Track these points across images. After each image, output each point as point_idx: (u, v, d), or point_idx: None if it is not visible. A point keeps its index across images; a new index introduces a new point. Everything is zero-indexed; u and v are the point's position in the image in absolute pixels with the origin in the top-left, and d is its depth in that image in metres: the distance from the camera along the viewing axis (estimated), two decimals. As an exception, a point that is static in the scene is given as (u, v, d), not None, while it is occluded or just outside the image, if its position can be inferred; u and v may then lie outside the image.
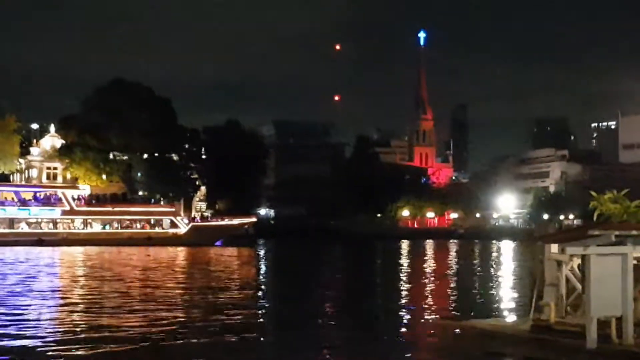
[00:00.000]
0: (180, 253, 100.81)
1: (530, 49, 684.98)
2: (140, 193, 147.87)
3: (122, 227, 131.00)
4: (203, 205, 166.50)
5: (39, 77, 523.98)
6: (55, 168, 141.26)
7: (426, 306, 41.81)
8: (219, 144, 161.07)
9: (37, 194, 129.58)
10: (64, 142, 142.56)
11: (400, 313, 38.85)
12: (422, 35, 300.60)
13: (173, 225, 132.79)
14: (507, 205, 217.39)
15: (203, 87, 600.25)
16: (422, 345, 28.44)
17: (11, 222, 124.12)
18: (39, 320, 32.79)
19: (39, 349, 25.85)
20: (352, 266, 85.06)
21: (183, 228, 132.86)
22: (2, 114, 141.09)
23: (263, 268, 77.37)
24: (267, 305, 42.30)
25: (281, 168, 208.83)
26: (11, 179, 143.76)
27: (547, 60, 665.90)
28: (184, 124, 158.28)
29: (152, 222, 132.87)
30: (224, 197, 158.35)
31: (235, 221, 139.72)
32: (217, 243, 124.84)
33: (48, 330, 29.81)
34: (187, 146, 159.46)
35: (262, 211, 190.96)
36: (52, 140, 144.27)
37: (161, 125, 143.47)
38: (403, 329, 33.29)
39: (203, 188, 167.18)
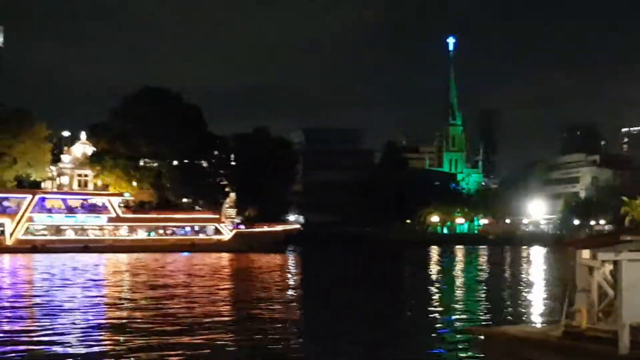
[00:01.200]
0: (224, 260, 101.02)
1: (561, 53, 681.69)
2: (184, 200, 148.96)
3: (166, 234, 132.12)
4: (233, 211, 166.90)
5: (69, 84, 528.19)
6: (86, 175, 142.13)
7: (456, 312, 41.69)
8: (248, 150, 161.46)
9: (84, 202, 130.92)
10: (94, 149, 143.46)
11: (430, 319, 38.73)
12: (451, 40, 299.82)
13: (217, 231, 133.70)
14: (537, 211, 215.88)
15: (231, 94, 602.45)
16: (452, 352, 28.33)
17: (58, 229, 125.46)
18: (76, 337, 32.83)
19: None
20: (381, 273, 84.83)
21: (227, 235, 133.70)
22: (33, 122, 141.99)
23: (303, 276, 76.60)
24: (306, 317, 41.68)
25: (310, 175, 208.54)
26: (42, 187, 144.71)
27: (578, 65, 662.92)
28: (213, 130, 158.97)
29: (196, 228, 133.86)
30: (253, 203, 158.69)
31: (279, 228, 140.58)
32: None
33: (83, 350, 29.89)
34: (216, 153, 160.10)
35: (291, 217, 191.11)
36: (82, 147, 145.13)
37: (191, 132, 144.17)
38: (433, 335, 33.19)
39: (232, 194, 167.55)
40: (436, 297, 52.73)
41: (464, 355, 27.39)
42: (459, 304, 46.54)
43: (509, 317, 38.31)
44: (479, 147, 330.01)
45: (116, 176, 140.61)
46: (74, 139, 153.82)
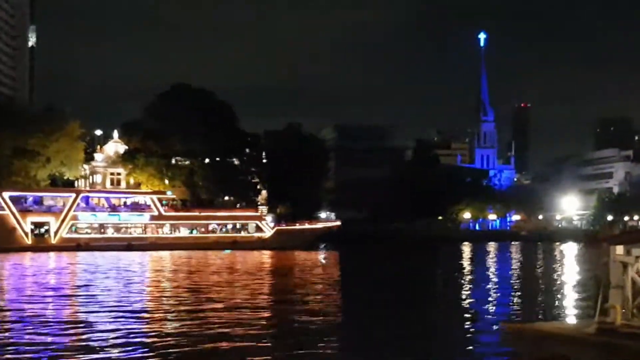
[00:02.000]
0: (266, 257, 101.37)
1: (594, 48, 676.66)
2: (226, 198, 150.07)
3: (208, 232, 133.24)
4: (264, 209, 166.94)
5: (100, 84, 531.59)
6: (118, 174, 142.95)
7: (490, 309, 41.59)
8: (279, 147, 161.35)
9: (127, 200, 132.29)
10: (127, 147, 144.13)
11: (464, 316, 38.68)
12: (482, 36, 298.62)
13: (258, 229, 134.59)
14: (570, 206, 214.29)
15: (263, 91, 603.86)
16: (486, 349, 28.28)
17: (102, 227, 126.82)
18: (118, 335, 33.07)
19: None
20: (415, 270, 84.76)
21: (268, 232, 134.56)
22: (66, 121, 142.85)
23: (344, 274, 75.75)
24: (348, 319, 40.68)
25: (341, 171, 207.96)
26: (76, 185, 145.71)
27: (612, 59, 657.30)
28: (244, 128, 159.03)
29: (238, 226, 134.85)
30: (285, 200, 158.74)
31: (320, 225, 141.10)
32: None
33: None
34: (248, 150, 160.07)
35: (323, 215, 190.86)
36: (115, 146, 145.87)
37: (222, 130, 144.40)
38: (467, 332, 33.15)
39: (264, 192, 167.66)
40: (469, 293, 52.62)
41: (497, 351, 27.32)
42: (492, 301, 46.41)
43: (543, 314, 38.17)
44: (511, 143, 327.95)
45: (148, 174, 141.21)
46: (106, 137, 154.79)
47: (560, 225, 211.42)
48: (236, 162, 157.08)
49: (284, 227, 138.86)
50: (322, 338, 30.65)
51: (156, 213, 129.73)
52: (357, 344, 29.86)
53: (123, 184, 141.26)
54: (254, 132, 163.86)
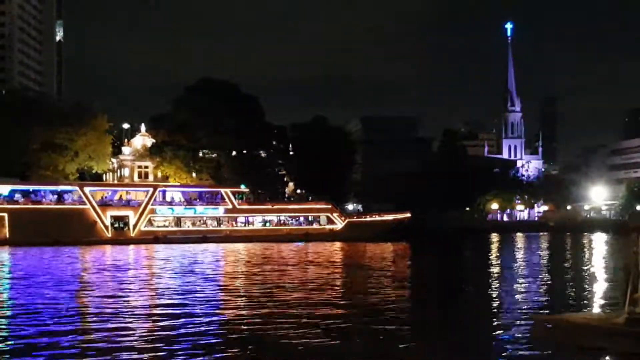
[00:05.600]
0: (339, 249, 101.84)
1: (621, 38, 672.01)
2: (298, 191, 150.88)
3: (280, 224, 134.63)
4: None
5: (128, 77, 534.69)
6: (146, 167, 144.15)
7: (518, 300, 41.46)
8: (306, 140, 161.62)
9: (202, 194, 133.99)
10: (154, 141, 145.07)
11: (493, 307, 38.61)
12: (509, 26, 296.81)
13: (330, 221, 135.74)
14: (599, 196, 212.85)
15: (288, 84, 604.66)
16: (515, 340, 28.22)
17: (178, 221, 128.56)
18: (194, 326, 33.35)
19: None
20: (442, 262, 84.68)
21: (339, 224, 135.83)
22: (94, 115, 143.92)
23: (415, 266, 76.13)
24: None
25: (368, 163, 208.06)
26: (104, 178, 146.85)
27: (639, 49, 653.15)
28: (270, 121, 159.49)
29: (310, 218, 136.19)
30: (312, 192, 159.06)
31: (390, 217, 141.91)
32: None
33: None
34: (274, 143, 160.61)
35: (350, 206, 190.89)
36: (142, 139, 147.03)
37: (249, 123, 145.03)
38: (496, 323, 33.10)
39: (291, 184, 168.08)
40: (497, 284, 52.52)
41: (526, 342, 27.25)
42: (520, 292, 46.22)
43: (571, 305, 38.04)
44: (538, 133, 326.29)
45: (176, 167, 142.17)
46: (134, 130, 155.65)
47: (588, 216, 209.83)
48: (263, 154, 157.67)
49: (355, 219, 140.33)
50: (397, 334, 30.51)
51: (230, 206, 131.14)
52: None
53: (151, 177, 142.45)
54: (280, 125, 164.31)
